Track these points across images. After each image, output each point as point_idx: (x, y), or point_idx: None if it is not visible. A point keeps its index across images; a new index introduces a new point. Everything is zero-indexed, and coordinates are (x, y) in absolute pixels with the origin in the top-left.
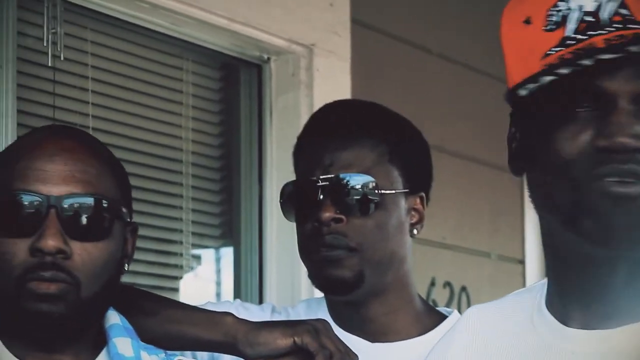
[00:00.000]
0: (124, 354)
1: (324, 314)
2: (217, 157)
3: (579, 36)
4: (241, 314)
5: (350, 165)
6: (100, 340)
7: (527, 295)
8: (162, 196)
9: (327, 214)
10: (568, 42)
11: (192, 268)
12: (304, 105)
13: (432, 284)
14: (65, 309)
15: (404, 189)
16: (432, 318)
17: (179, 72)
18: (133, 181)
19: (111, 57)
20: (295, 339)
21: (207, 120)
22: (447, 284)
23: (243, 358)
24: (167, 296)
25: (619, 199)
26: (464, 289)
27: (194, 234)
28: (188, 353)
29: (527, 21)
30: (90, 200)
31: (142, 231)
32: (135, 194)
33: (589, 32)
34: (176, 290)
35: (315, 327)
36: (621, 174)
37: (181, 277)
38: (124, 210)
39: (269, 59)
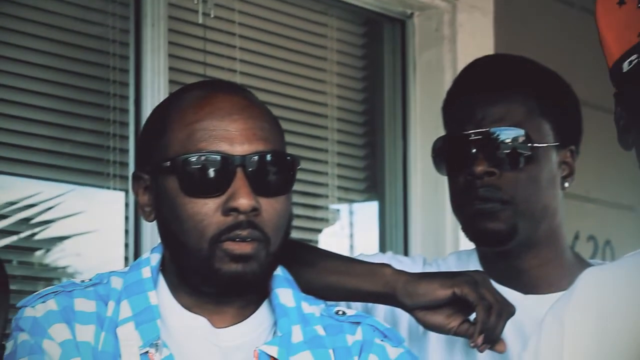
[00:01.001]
0: (285, 304)
1: (474, 265)
2: (362, 112)
3: None
4: (395, 266)
5: (502, 119)
6: (264, 290)
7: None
8: (308, 151)
9: (481, 168)
10: None
11: (337, 221)
12: (447, 60)
13: (576, 237)
14: (257, 267)
15: (555, 142)
16: (583, 269)
17: (323, 28)
18: None
19: (258, 15)
20: (455, 289)
21: (351, 76)
22: (591, 238)
23: (402, 308)
24: None
25: None
26: (607, 242)
27: (339, 187)
28: (344, 304)
29: (621, 2)
30: (272, 157)
31: None
32: None
33: None
34: (321, 243)
35: (474, 278)
36: None
37: (326, 230)
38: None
39: (412, 14)
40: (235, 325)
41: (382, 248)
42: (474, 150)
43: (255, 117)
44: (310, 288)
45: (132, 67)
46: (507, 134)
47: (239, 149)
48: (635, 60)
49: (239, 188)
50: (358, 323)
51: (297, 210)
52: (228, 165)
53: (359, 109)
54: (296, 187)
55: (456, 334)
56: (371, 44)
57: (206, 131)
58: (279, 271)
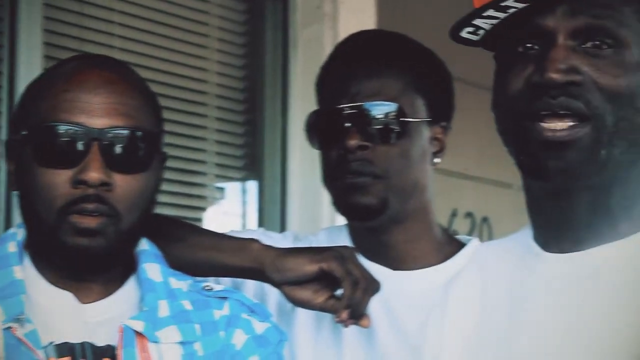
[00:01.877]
0: (152, 279)
1: (345, 241)
2: (242, 89)
3: None
4: (264, 242)
5: (377, 94)
6: (130, 265)
7: (525, 231)
8: (186, 128)
9: (354, 142)
10: None
11: (216, 199)
12: (329, 37)
13: (454, 214)
14: (104, 242)
15: (428, 117)
16: (451, 246)
17: (204, 4)
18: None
19: None
20: (322, 265)
21: (233, 52)
22: (469, 215)
23: (270, 283)
24: None
25: (549, 145)
26: (485, 219)
27: (218, 165)
28: (213, 279)
29: None
30: (132, 133)
31: (167, 162)
32: None
33: None
34: (200, 220)
35: (341, 253)
36: (552, 107)
37: (205, 208)
38: (161, 143)
39: None
40: (101, 301)
41: (261, 225)
42: (348, 124)
43: (120, 92)
44: (178, 264)
45: (6, 43)
46: (381, 109)
47: (97, 122)
48: (489, 29)
49: (91, 161)
50: (225, 298)
51: (175, 188)
52: (83, 137)
53: (239, 86)
54: (175, 164)
55: (322, 309)
56: (252, 21)
57: (68, 102)
58: (147, 246)
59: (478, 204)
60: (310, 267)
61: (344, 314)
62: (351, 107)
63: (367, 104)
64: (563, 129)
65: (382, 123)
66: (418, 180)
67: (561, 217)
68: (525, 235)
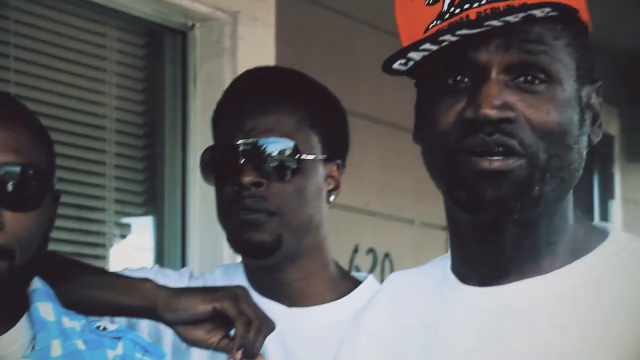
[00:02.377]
0: (45, 318)
1: (240, 278)
2: (141, 124)
3: (455, 9)
4: (159, 280)
5: (271, 130)
6: (23, 304)
7: (442, 261)
8: (85, 163)
9: (248, 178)
10: (445, 15)
11: (115, 235)
12: (228, 72)
13: (356, 250)
14: None
15: (323, 154)
16: (347, 283)
17: (102, 38)
18: (56, 149)
19: (34, 24)
20: (215, 304)
21: (131, 87)
22: (371, 250)
23: (163, 323)
24: (91, 263)
25: (485, 175)
26: (387, 255)
27: (117, 201)
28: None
29: None
30: (23, 170)
31: (64, 198)
32: (58, 160)
33: (464, 6)
34: (99, 257)
35: (234, 293)
36: (487, 144)
37: (104, 245)
38: (53, 179)
39: (193, 25)
40: None
41: (160, 262)
42: (242, 161)
43: (11, 128)
44: (71, 303)
45: None
46: (275, 145)
47: None
48: (419, 60)
49: None
50: (119, 338)
51: (72, 224)
52: None
53: (138, 121)
54: (72, 200)
55: (216, 349)
56: (152, 55)
57: None
58: (39, 285)
59: (380, 239)
60: (202, 307)
61: (237, 354)
62: (245, 143)
63: (261, 140)
64: (499, 161)
65: (276, 160)
66: (313, 217)
67: (487, 251)
68: (441, 266)
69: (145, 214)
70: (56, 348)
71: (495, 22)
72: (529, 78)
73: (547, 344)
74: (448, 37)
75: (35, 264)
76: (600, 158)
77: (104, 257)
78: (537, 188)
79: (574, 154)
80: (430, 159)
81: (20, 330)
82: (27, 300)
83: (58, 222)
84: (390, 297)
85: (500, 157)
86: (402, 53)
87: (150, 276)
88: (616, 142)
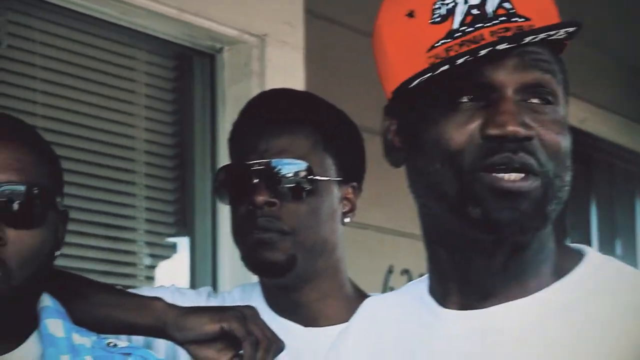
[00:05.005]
0: (54, 334)
1: (258, 297)
2: (171, 145)
3: (467, 28)
4: (177, 299)
5: (285, 151)
6: (32, 322)
7: (419, 284)
8: (115, 183)
9: (261, 198)
10: (456, 34)
11: (145, 254)
12: (256, 94)
13: (390, 271)
14: None
15: (337, 177)
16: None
17: (132, 61)
18: (86, 169)
19: (63, 47)
20: (223, 324)
21: (161, 109)
22: (406, 272)
23: (173, 342)
24: (121, 284)
25: (505, 194)
26: (421, 276)
27: (147, 220)
28: (122, 337)
29: (411, 14)
30: (24, 189)
31: (95, 218)
32: (88, 181)
33: (476, 25)
34: (129, 276)
35: (243, 313)
36: (512, 163)
37: (135, 264)
38: (57, 198)
39: (222, 48)
40: (2, 357)
41: (192, 280)
42: (256, 181)
43: (14, 148)
44: (83, 320)
45: None
46: (289, 167)
47: None
48: (423, 81)
49: None
50: (129, 354)
51: (102, 243)
52: None
53: (168, 142)
54: (102, 219)
55: None
56: (181, 78)
57: None
58: (49, 302)
59: (415, 261)
60: (210, 327)
61: None
62: (259, 164)
63: (274, 161)
64: (518, 180)
65: (290, 180)
66: (327, 238)
67: (474, 273)
68: (417, 289)
69: (175, 233)
70: None
71: (528, 39)
72: (539, 99)
73: None
74: (471, 55)
75: (40, 281)
76: None
77: (134, 276)
78: (548, 208)
79: (568, 175)
80: (436, 178)
81: (30, 347)
82: (37, 318)
83: (88, 241)
84: (366, 324)
85: (521, 176)
86: (418, 76)
87: (168, 295)
88: None
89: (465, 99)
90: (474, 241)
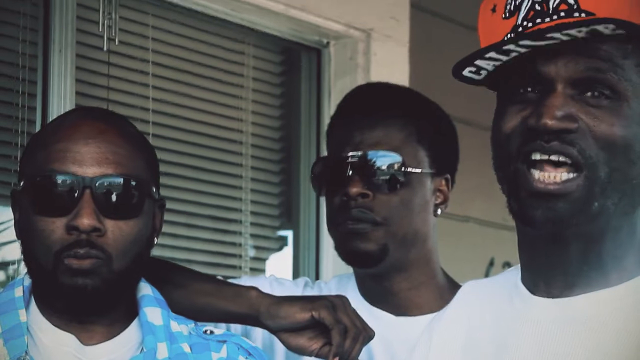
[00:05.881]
0: (152, 322)
1: (353, 287)
2: (277, 139)
3: (528, 23)
4: (275, 289)
5: (379, 143)
6: (133, 310)
7: (514, 271)
8: (222, 176)
9: (355, 189)
10: (519, 29)
11: (250, 246)
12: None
13: (491, 263)
14: (98, 282)
15: (430, 169)
16: (455, 293)
17: (240, 56)
18: (195, 162)
19: (172, 42)
20: (313, 313)
21: (268, 103)
22: (507, 264)
23: (266, 330)
24: (226, 275)
25: (538, 195)
26: None
27: (252, 213)
28: (221, 325)
29: (493, 9)
30: (121, 181)
31: (202, 210)
32: (195, 174)
33: (536, 20)
34: (234, 267)
35: (333, 302)
36: (545, 150)
37: (240, 255)
38: (153, 188)
39: (328, 43)
40: (103, 343)
41: (295, 272)
42: (350, 172)
43: (110, 142)
44: (180, 308)
45: (39, 92)
46: (383, 159)
47: (88, 171)
48: (492, 70)
49: (82, 208)
50: (224, 341)
51: (208, 235)
52: (75, 186)
53: (274, 136)
54: (209, 212)
55: (317, 356)
56: (288, 72)
57: (60, 153)
58: (149, 291)
59: (516, 253)
60: (301, 315)
61: None
62: (353, 156)
63: (369, 153)
64: (555, 182)
65: (383, 172)
66: (419, 229)
67: (552, 262)
68: (513, 277)
69: (280, 226)
70: (162, 350)
71: (557, 35)
72: (595, 93)
73: (617, 355)
74: (512, 47)
75: (138, 268)
76: None
77: (239, 268)
78: (596, 204)
79: (637, 168)
80: (496, 162)
81: (131, 334)
82: (137, 306)
83: (195, 233)
84: (462, 307)
85: (559, 176)
86: (469, 60)
87: (266, 285)
88: None
89: (522, 90)
90: (538, 234)
